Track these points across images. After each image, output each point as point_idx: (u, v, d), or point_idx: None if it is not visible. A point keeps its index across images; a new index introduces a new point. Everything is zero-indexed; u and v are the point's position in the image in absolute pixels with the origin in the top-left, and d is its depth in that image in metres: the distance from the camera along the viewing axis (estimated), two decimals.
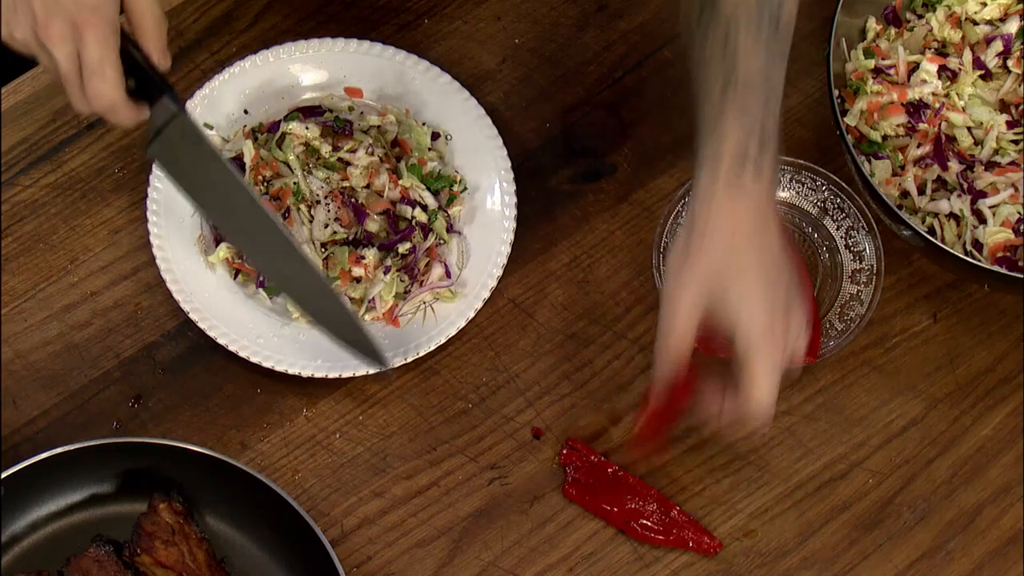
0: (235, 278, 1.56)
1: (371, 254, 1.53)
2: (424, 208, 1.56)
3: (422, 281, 1.55)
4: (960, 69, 1.56)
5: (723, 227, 1.39)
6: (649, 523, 1.49)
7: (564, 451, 1.51)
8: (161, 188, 1.57)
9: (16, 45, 1.34)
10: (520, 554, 1.50)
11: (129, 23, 1.34)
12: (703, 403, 1.42)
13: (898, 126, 1.56)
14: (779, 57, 1.40)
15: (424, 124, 1.60)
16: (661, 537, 1.49)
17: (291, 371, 1.52)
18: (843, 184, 1.58)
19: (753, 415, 1.39)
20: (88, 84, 1.33)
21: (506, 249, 1.56)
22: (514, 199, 1.57)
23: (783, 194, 1.59)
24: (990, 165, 1.54)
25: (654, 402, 1.42)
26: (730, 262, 1.38)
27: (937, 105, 1.55)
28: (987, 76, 1.57)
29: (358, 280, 1.54)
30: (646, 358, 1.55)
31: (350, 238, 1.55)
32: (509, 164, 1.58)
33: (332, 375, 1.52)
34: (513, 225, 1.56)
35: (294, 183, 1.55)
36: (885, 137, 1.56)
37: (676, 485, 1.52)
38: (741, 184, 1.39)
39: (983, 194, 1.52)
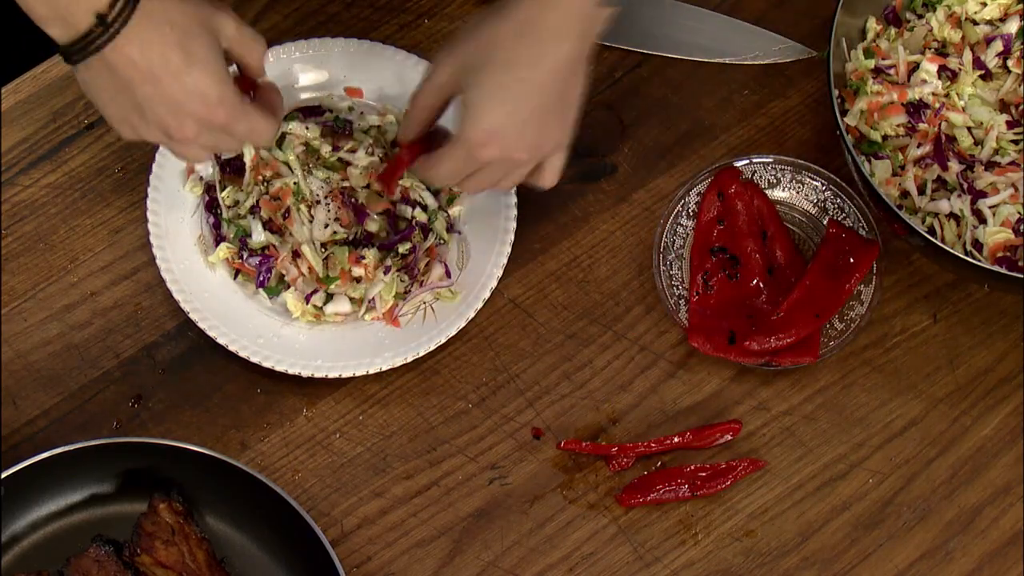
0: (235, 278, 1.56)
1: (371, 254, 1.53)
2: (424, 208, 1.56)
3: (422, 281, 1.55)
4: (960, 69, 1.56)
5: (507, 21, 1.37)
6: (705, 474, 1.50)
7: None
8: (161, 188, 1.57)
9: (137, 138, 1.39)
10: (520, 554, 1.50)
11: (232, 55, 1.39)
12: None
13: (898, 126, 1.56)
14: None
15: None
16: (727, 481, 1.51)
17: (291, 371, 1.52)
18: (843, 184, 1.58)
19: (427, 178, 1.45)
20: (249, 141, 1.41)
21: (506, 249, 1.56)
22: (514, 199, 1.57)
23: (783, 194, 1.60)
24: (990, 165, 1.54)
25: (401, 153, 1.48)
26: (495, 53, 1.37)
27: (937, 105, 1.55)
28: (987, 76, 1.57)
29: (358, 280, 1.54)
30: (646, 358, 1.55)
31: (350, 238, 1.55)
32: None
33: (332, 375, 1.52)
34: (513, 225, 1.56)
35: (294, 183, 1.55)
36: (885, 137, 1.56)
37: None
38: None
39: (983, 194, 1.52)
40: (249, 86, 1.43)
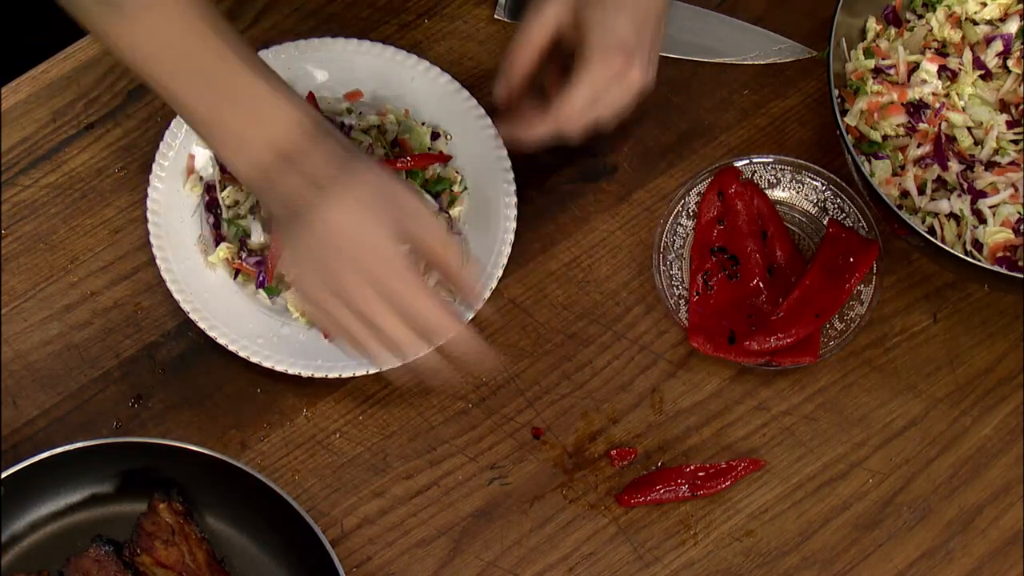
0: (235, 278, 1.56)
1: None
2: None
3: None
4: (960, 69, 1.56)
5: None
6: (704, 474, 1.50)
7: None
8: (161, 188, 1.57)
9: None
10: (520, 554, 1.50)
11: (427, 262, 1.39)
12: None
13: (898, 126, 1.56)
14: None
15: (424, 124, 1.60)
16: (727, 481, 1.51)
17: (291, 371, 1.52)
18: (843, 184, 1.58)
19: (558, 123, 1.45)
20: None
21: (506, 249, 1.56)
22: (514, 199, 1.57)
23: (783, 194, 1.60)
24: (990, 165, 1.54)
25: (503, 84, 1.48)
26: None
27: (937, 105, 1.55)
28: (987, 76, 1.57)
29: None
30: (646, 358, 1.55)
31: None
32: (509, 164, 1.58)
33: (332, 375, 1.52)
34: (513, 225, 1.56)
35: None
36: (885, 137, 1.56)
37: None
38: None
39: (983, 194, 1.52)
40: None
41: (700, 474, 1.51)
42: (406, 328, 1.37)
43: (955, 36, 1.58)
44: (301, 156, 1.34)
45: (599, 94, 1.44)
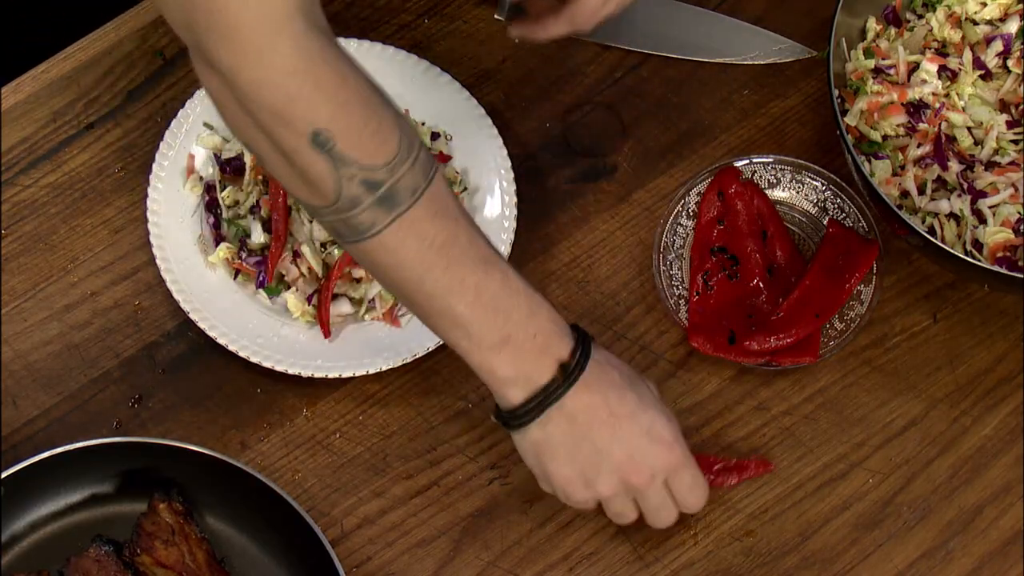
0: (235, 278, 1.56)
1: None
2: None
3: None
4: (960, 69, 1.56)
5: None
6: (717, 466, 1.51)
7: None
8: (161, 188, 1.57)
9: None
10: (520, 554, 1.50)
11: None
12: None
13: (898, 126, 1.56)
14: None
15: (424, 124, 1.60)
16: (733, 479, 1.51)
17: (291, 371, 1.52)
18: (843, 184, 1.58)
19: (572, 23, 1.48)
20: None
21: (506, 249, 1.56)
22: (514, 199, 1.57)
23: (783, 194, 1.60)
24: (990, 165, 1.54)
25: None
26: None
27: (937, 105, 1.55)
28: (987, 76, 1.57)
29: (358, 280, 1.54)
30: (646, 358, 1.55)
31: None
32: (509, 164, 1.58)
33: (332, 375, 1.52)
34: (513, 225, 1.56)
35: None
36: (885, 137, 1.56)
37: None
38: None
39: (983, 194, 1.52)
40: None
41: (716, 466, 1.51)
42: (670, 503, 1.41)
43: (955, 36, 1.58)
44: (571, 362, 1.36)
45: None
